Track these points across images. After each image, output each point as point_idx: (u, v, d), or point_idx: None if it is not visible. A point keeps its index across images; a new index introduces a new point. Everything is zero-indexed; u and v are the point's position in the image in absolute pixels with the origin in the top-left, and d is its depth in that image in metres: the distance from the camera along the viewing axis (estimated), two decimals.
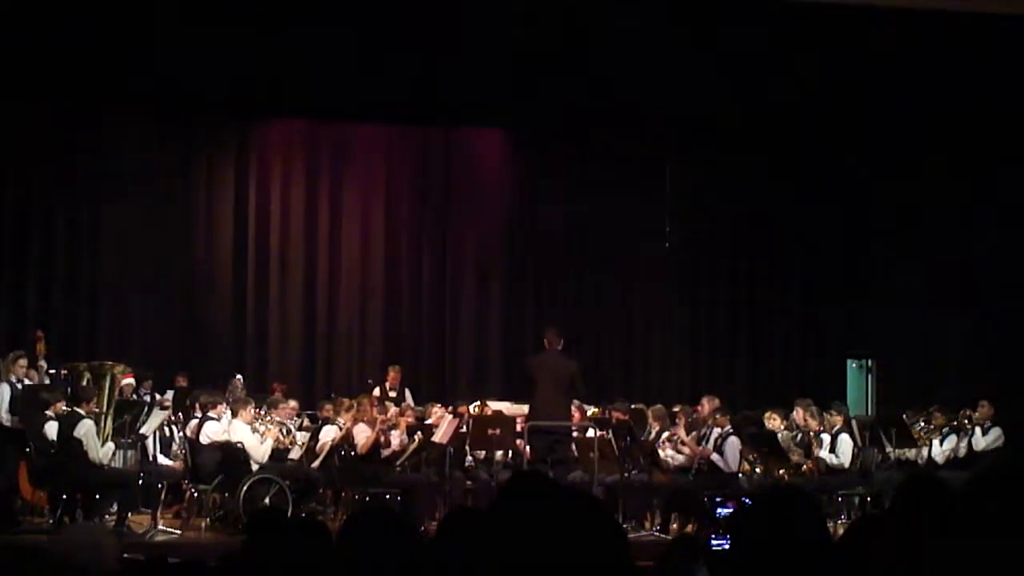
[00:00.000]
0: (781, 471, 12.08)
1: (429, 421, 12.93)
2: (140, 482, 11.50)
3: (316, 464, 12.14)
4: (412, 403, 14.39)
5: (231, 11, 13.97)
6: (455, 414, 12.67)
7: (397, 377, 15.04)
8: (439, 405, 13.50)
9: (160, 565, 6.05)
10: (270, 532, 4.35)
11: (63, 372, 12.49)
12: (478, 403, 13.11)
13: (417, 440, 12.32)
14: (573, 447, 12.63)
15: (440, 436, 12.18)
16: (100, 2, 13.82)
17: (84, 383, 11.63)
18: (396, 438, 12.37)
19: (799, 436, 12.69)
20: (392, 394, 14.55)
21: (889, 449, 12.71)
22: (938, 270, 16.50)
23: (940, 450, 12.94)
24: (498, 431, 12.27)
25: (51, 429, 11.15)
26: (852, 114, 15.72)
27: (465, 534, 3.52)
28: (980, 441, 12.88)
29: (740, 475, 12.23)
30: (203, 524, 11.68)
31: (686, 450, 12.42)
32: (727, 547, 3.28)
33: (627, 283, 17.46)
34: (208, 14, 13.96)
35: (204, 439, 11.79)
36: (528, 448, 12.24)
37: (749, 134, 16.55)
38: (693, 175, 17.33)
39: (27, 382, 12.14)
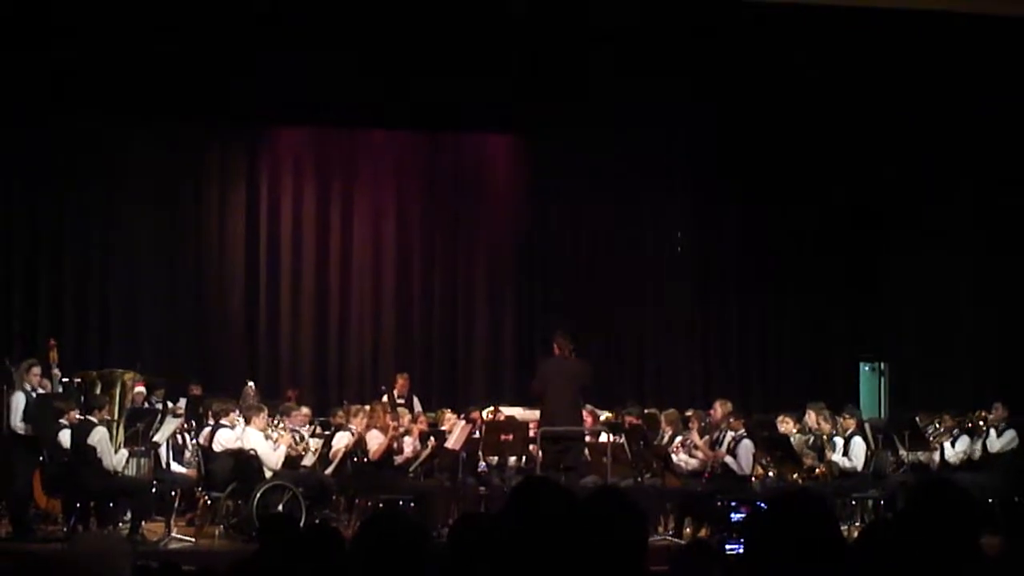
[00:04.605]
0: (794, 475, 12.06)
1: (442, 427, 12.93)
2: (154, 490, 11.53)
3: (329, 471, 12.14)
4: (420, 410, 14.37)
5: (241, 18, 14.00)
6: (468, 420, 12.65)
7: (405, 384, 15.00)
8: (451, 411, 13.50)
9: (174, 573, 6.06)
10: (283, 539, 4.35)
11: (76, 381, 12.52)
12: (491, 409, 13.10)
13: (430, 446, 12.32)
14: (586, 452, 12.62)
15: (453, 442, 12.18)
16: (113, 11, 13.86)
17: (96, 391, 11.67)
18: (409, 444, 12.38)
19: (812, 440, 12.67)
20: (400, 401, 14.52)
21: (902, 452, 12.69)
22: (950, 272, 16.48)
23: (953, 452, 12.91)
24: (511, 437, 12.27)
25: (65, 437, 11.19)
26: (860, 115, 15.70)
27: (476, 540, 3.52)
28: (995, 443, 12.87)
29: (753, 479, 12.21)
30: (216, 532, 11.68)
31: (699, 454, 12.40)
32: (741, 551, 3.28)
33: (638, 288, 17.43)
34: (219, 21, 14.01)
35: (217, 446, 11.80)
36: (541, 453, 12.21)
37: (757, 136, 16.53)
38: (703, 179, 17.31)
39: (40, 390, 12.17)
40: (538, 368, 12.97)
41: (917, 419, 12.92)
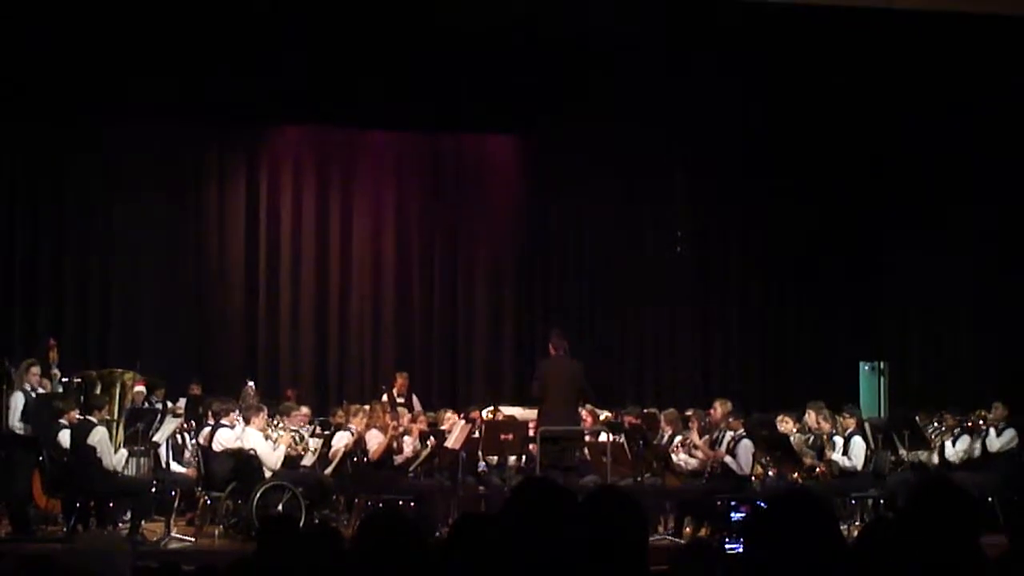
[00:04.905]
0: (794, 474, 12.06)
1: (442, 427, 12.93)
2: (153, 490, 11.53)
3: (329, 471, 12.14)
4: (420, 409, 14.36)
5: (243, 17, 14.00)
6: (467, 420, 12.65)
7: (404, 383, 15.00)
8: (451, 411, 13.49)
9: (174, 573, 6.06)
10: (282, 539, 4.35)
11: (76, 380, 12.52)
12: (491, 408, 13.09)
13: (429, 446, 12.31)
14: (586, 451, 12.61)
15: (452, 442, 12.18)
16: (114, 8, 13.86)
17: (96, 391, 11.67)
18: (409, 444, 12.37)
19: (812, 439, 12.66)
20: (400, 400, 14.53)
21: (902, 451, 12.69)
22: (950, 272, 16.47)
23: (954, 451, 12.91)
24: (511, 436, 12.27)
25: (65, 437, 11.20)
26: (861, 114, 15.70)
27: (476, 540, 3.52)
28: (995, 442, 12.85)
29: (753, 479, 12.20)
30: (216, 531, 11.68)
31: (699, 454, 12.40)
32: (741, 551, 3.27)
33: (639, 288, 17.42)
34: (220, 20, 14.00)
35: (217, 446, 11.80)
36: (540, 453, 12.20)
37: (757, 136, 16.52)
38: (703, 179, 17.30)
39: (40, 390, 12.17)
40: (536, 369, 12.96)
41: (917, 419, 12.92)
